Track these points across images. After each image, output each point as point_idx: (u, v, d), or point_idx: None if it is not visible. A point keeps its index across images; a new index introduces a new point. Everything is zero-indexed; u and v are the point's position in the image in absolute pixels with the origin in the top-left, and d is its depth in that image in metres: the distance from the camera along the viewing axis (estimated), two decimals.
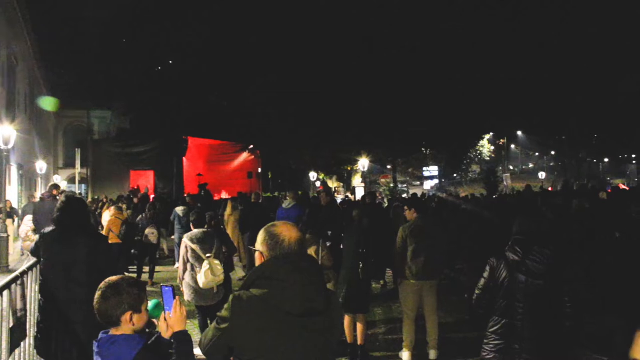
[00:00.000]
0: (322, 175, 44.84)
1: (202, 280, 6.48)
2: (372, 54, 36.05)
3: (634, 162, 75.50)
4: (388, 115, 35.96)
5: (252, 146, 35.50)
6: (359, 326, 6.82)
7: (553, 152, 75.17)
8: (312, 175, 39.98)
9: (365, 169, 36.86)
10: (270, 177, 38.87)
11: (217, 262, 6.62)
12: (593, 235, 7.05)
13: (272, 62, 34.03)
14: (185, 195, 20.49)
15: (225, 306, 2.51)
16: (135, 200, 17.92)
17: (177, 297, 2.81)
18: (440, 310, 7.17)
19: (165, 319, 2.77)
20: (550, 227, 7.64)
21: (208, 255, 6.57)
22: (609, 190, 22.07)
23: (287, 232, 2.61)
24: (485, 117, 45.85)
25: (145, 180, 28.47)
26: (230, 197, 18.81)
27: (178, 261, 8.02)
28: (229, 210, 12.47)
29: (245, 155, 35.36)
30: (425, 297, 6.77)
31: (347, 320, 6.79)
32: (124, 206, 12.18)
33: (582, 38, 42.19)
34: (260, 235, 2.65)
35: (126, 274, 9.22)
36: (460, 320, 8.28)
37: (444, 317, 8.08)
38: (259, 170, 35.73)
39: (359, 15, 36.17)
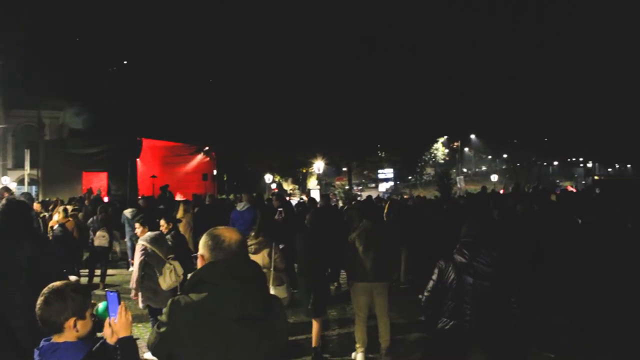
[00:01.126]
0: (278, 177, 44.76)
1: (165, 282, 6.40)
2: (327, 57, 36.14)
3: (582, 165, 77.69)
4: (343, 117, 36.11)
5: (207, 148, 35.19)
6: (315, 328, 6.84)
7: (505, 155, 76.77)
8: (268, 178, 39.87)
9: (321, 172, 36.95)
10: (225, 179, 38.59)
11: (177, 263, 6.56)
12: (541, 236, 7.23)
13: (226, 64, 33.81)
14: (139, 197, 20.19)
15: (164, 310, 2.49)
16: (86, 202, 17.58)
17: (122, 303, 2.76)
18: (393, 311, 7.22)
19: (110, 325, 2.70)
20: (499, 229, 7.80)
21: (169, 256, 6.50)
22: (558, 192, 22.63)
23: (228, 234, 2.59)
24: (440, 121, 46.52)
25: (98, 182, 27.91)
26: (184, 199, 18.59)
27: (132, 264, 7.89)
28: (180, 212, 12.32)
29: (200, 157, 34.98)
30: (376, 298, 6.81)
31: (315, 325, 6.83)
32: (70, 208, 11.88)
33: (534, 45, 43.21)
34: (202, 238, 2.63)
35: (71, 277, 9.07)
36: (414, 321, 8.32)
37: (398, 318, 8.14)
38: (214, 172, 35.42)
39: (307, 20, 36.21)
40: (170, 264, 6.38)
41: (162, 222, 7.57)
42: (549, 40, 42.88)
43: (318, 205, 13.16)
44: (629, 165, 75.77)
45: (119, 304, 2.73)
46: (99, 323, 2.86)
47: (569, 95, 41.59)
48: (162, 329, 2.45)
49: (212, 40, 33.35)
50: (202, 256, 2.59)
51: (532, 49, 43.53)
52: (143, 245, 6.66)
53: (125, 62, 36.23)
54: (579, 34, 41.52)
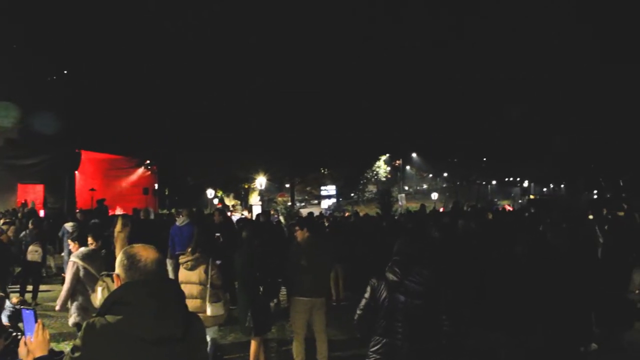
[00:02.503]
0: (220, 192, 44.41)
1: (97, 300, 6.27)
2: (270, 72, 36.22)
3: (518, 184, 80.00)
4: (286, 134, 36.19)
5: (148, 161, 34.68)
6: (252, 347, 6.83)
7: (446, 174, 78.29)
8: (210, 192, 39.52)
9: (263, 187, 36.80)
10: (167, 193, 38.06)
11: (110, 280, 6.44)
12: (478, 253, 7.44)
13: (168, 78, 33.41)
14: (77, 210, 19.77)
15: (79, 334, 2.41)
16: (20, 215, 17.10)
17: (39, 321, 2.69)
18: (333, 328, 7.28)
19: (25, 344, 2.62)
20: (434, 247, 7.97)
21: (103, 273, 6.39)
22: (500, 209, 23.27)
23: (145, 252, 2.55)
24: (382, 139, 47.12)
25: (34, 195, 27.12)
26: (123, 213, 18.29)
27: None
28: (118, 226, 12.09)
29: (141, 171, 34.48)
30: (315, 315, 6.87)
31: (253, 344, 6.80)
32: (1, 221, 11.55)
33: (473, 67, 44.35)
34: (118, 257, 2.58)
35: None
36: (353, 338, 8.36)
37: (337, 335, 8.21)
38: (156, 186, 34.92)
39: (241, 35, 36.21)
40: (104, 281, 6.27)
41: (90, 239, 7.40)
42: (488, 62, 44.12)
43: (259, 221, 13.17)
44: (562, 185, 78.41)
45: (36, 322, 2.66)
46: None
47: (507, 116, 42.80)
48: (77, 354, 2.35)
49: (153, 57, 32.90)
50: (118, 276, 2.55)
51: (471, 71, 44.69)
52: (74, 262, 6.54)
53: (65, 72, 35.36)
54: (516, 56, 42.88)
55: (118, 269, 2.56)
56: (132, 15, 31.84)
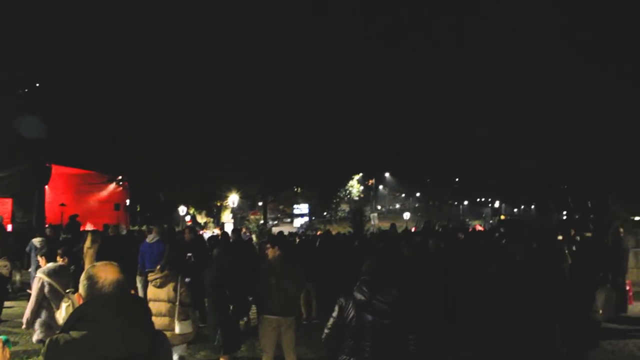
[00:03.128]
0: (193, 209, 44.15)
1: (62, 317, 6.19)
2: (242, 89, 36.23)
3: (490, 205, 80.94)
4: (259, 153, 36.18)
5: (120, 177, 34.37)
6: None
7: (418, 194, 79.00)
8: (182, 209, 39.27)
9: (235, 205, 36.65)
10: (138, 209, 37.72)
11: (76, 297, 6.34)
12: (449, 273, 7.52)
13: (140, 95, 33.18)
14: (47, 225, 19.52)
15: (42, 350, 2.38)
16: None
17: None
18: (303, 347, 7.26)
19: None
20: (404, 266, 8.03)
21: (68, 290, 6.30)
22: (470, 230, 23.45)
23: (104, 273, 2.53)
24: (356, 158, 47.37)
25: (2, 209, 26.69)
26: (94, 229, 18.08)
27: None
28: (88, 242, 11.96)
29: (113, 186, 34.16)
30: (284, 334, 6.85)
31: None
32: None
33: (444, 88, 44.94)
34: (82, 276, 2.58)
35: None
36: (321, 357, 8.35)
37: (307, 353, 8.18)
38: (127, 202, 34.60)
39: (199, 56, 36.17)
40: (69, 298, 6.19)
41: (58, 255, 7.30)
42: (459, 83, 44.73)
43: (230, 239, 13.11)
44: (532, 206, 79.51)
45: None
46: None
47: (478, 137, 43.36)
48: None
49: (120, 73, 32.66)
50: (80, 295, 2.54)
51: (443, 92, 45.26)
52: (39, 277, 6.45)
53: (37, 85, 34.93)
54: (486, 78, 43.54)
55: (80, 288, 2.55)
56: (111, 25, 31.61)
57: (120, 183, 34.24)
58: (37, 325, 6.43)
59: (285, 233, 19.97)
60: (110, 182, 33.87)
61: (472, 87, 44.47)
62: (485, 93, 43.57)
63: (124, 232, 18.30)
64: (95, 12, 30.87)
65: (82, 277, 2.56)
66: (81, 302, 2.51)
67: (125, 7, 32.07)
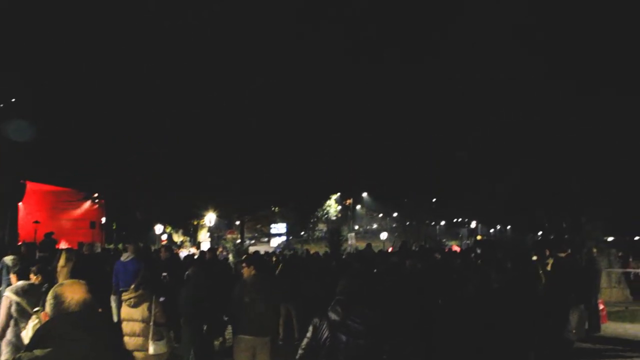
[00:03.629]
0: (169, 228, 43.82)
1: (28, 337, 6.08)
2: (220, 108, 36.17)
3: (466, 225, 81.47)
4: (237, 172, 36.09)
5: (96, 195, 34.04)
6: None
7: (395, 214, 79.18)
8: (159, 228, 38.94)
9: (212, 224, 36.44)
10: (114, 227, 37.34)
11: (43, 316, 6.24)
12: (425, 293, 7.53)
13: (114, 112, 32.93)
14: (20, 243, 19.20)
15: None
16: None
17: None
18: None
19: None
20: (379, 286, 8.04)
21: (36, 309, 6.20)
22: (447, 250, 23.56)
23: (71, 293, 2.51)
24: (333, 178, 47.47)
25: None
26: (68, 247, 17.84)
27: None
28: (62, 261, 11.80)
29: (88, 204, 33.81)
30: (258, 354, 6.81)
31: None
32: None
33: (421, 110, 45.36)
34: (48, 295, 2.56)
35: None
36: None
37: None
38: (103, 220, 34.23)
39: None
40: (38, 318, 6.09)
41: (32, 273, 7.19)
42: (435, 105, 45.18)
43: (205, 258, 13.06)
44: (508, 227, 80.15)
45: None
46: None
47: (456, 158, 43.78)
48: None
49: (98, 92, 32.43)
50: (46, 314, 2.52)
51: (421, 113, 45.65)
52: (7, 296, 6.35)
53: (13, 100, 34.51)
54: (462, 101, 44.04)
55: (46, 306, 2.53)
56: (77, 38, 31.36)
57: (96, 201, 33.90)
58: (3, 345, 6.32)
59: (262, 252, 19.94)
60: (86, 199, 33.52)
61: (449, 109, 44.94)
62: (462, 114, 44.04)
63: (99, 250, 18.09)
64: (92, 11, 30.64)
65: (49, 295, 2.53)
66: (46, 319, 2.49)
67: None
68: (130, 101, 32.70)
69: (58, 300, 2.50)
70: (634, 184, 31.54)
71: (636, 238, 50.13)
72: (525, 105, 37.51)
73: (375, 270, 11.39)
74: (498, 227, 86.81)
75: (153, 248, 20.23)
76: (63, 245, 24.20)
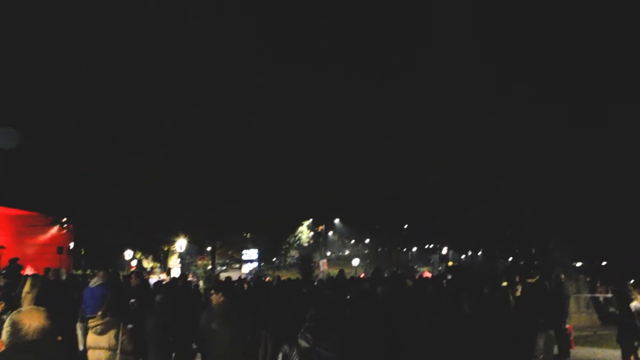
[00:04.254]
0: (139, 254, 43.26)
1: None
2: (192, 137, 36.06)
3: (438, 251, 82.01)
4: (209, 197, 35.87)
5: (65, 219, 33.51)
6: None
7: (367, 241, 79.37)
8: (128, 254, 38.42)
9: (183, 250, 36.09)
10: (82, 253, 36.74)
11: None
12: (395, 320, 7.52)
13: (81, 135, 32.57)
14: None
15: None
16: None
17: None
18: None
19: None
20: (350, 313, 8.02)
21: None
22: (418, 277, 23.59)
23: (29, 320, 2.46)
24: (305, 204, 47.47)
25: None
26: (34, 273, 17.49)
27: None
28: (27, 287, 11.58)
29: (56, 229, 33.25)
30: None
31: None
32: None
33: (393, 138, 45.79)
34: (6, 322, 2.49)
35: None
36: None
37: None
38: (71, 245, 33.67)
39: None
40: None
41: None
42: (408, 133, 45.63)
43: (175, 284, 12.91)
44: (479, 253, 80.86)
45: None
46: None
47: (426, 185, 44.16)
48: None
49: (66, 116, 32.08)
50: (3, 341, 2.45)
51: (393, 141, 46.05)
52: None
53: None
54: (435, 128, 44.56)
55: (2, 334, 2.46)
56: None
57: (64, 225, 33.38)
58: None
59: (234, 279, 19.78)
60: (54, 224, 32.99)
61: (421, 138, 45.43)
62: (435, 143, 44.55)
63: (64, 276, 17.76)
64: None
65: (6, 323, 2.46)
66: (3, 348, 2.40)
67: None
68: (98, 123, 32.38)
69: (15, 327, 2.43)
70: (599, 211, 32.13)
71: (604, 263, 50.84)
72: (494, 135, 38.11)
73: (347, 297, 11.37)
74: (469, 253, 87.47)
75: (122, 274, 19.94)
76: (29, 271, 23.71)
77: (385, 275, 24.31)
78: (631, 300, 10.78)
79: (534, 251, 35.70)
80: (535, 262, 31.04)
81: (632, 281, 18.46)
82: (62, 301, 10.66)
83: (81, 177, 32.27)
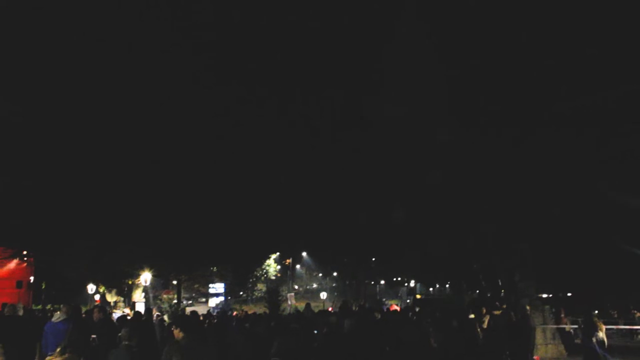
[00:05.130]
0: (103, 288, 42.43)
1: None
2: (158, 169, 35.80)
3: (406, 284, 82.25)
4: (175, 230, 35.51)
5: (25, 252, 32.83)
6: None
7: (335, 274, 79.24)
8: (91, 288, 37.67)
9: (148, 284, 35.53)
10: (43, 287, 35.91)
11: None
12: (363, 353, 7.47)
13: (46, 167, 32.11)
14: None
15: None
16: None
17: None
18: None
19: None
20: (317, 346, 7.95)
21: None
22: (387, 309, 23.57)
23: None
24: (272, 237, 47.32)
25: None
26: None
27: None
28: None
29: (15, 262, 32.56)
30: None
31: None
32: None
33: (358, 171, 46.05)
34: None
35: None
36: None
37: None
38: (31, 279, 32.93)
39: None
40: None
41: None
42: (372, 166, 45.93)
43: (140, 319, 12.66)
44: (447, 285, 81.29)
45: None
46: None
47: (393, 219, 44.36)
48: None
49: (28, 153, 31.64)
50: None
51: (357, 175, 46.27)
52: None
53: None
54: (398, 162, 44.96)
55: None
56: None
57: (25, 259, 32.69)
58: None
59: (200, 313, 19.48)
60: (14, 257, 32.30)
61: (386, 171, 45.71)
62: (398, 176, 44.87)
63: (21, 312, 17.26)
64: None
65: None
66: None
67: None
68: (60, 156, 31.97)
69: None
70: (563, 243, 32.59)
71: (569, 294, 51.47)
72: (455, 167, 38.55)
73: (315, 331, 11.29)
74: (437, 285, 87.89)
75: (84, 309, 19.50)
76: None
77: (354, 308, 24.27)
78: (596, 330, 10.87)
79: (500, 283, 35.97)
80: (502, 294, 31.26)
81: (596, 312, 18.70)
82: (19, 337, 10.35)
83: (42, 208, 31.70)
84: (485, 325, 12.54)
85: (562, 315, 22.31)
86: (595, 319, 12.69)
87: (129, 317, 18.58)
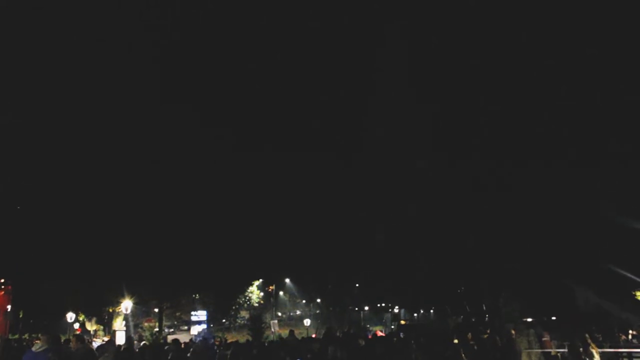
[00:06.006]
0: (82, 316, 41.77)
1: None
2: (142, 198, 35.63)
3: (390, 310, 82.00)
4: (157, 257, 35.19)
5: (2, 280, 32.22)
6: None
7: (319, 300, 78.75)
8: (70, 316, 37.01)
9: (129, 312, 35.00)
10: (21, 316, 35.23)
11: None
12: None
13: (24, 195, 31.78)
14: None
15: None
16: None
17: None
18: None
19: None
20: None
21: None
22: (370, 336, 23.36)
23: None
24: (255, 264, 47.10)
25: None
26: None
27: None
28: None
29: None
30: None
31: None
32: None
33: (340, 198, 46.17)
34: None
35: None
36: None
37: None
38: (8, 307, 32.27)
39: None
40: None
41: None
42: (355, 191, 46.05)
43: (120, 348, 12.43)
44: (432, 310, 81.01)
45: None
46: None
47: (376, 244, 44.38)
48: None
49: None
50: None
51: (340, 201, 46.37)
52: None
53: None
54: (381, 190, 45.11)
55: None
56: None
57: (2, 287, 32.09)
58: None
59: (182, 341, 19.14)
60: None
61: (368, 197, 45.87)
62: (382, 202, 45.00)
63: None
64: None
65: None
66: None
67: None
68: (39, 183, 31.72)
69: None
70: (546, 268, 32.67)
71: (553, 318, 51.48)
72: (432, 194, 38.77)
73: (298, 359, 11.19)
74: (421, 311, 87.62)
75: (63, 338, 19.15)
76: None
77: (338, 334, 24.07)
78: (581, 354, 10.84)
79: (484, 308, 35.95)
80: (487, 319, 31.23)
81: (587, 335, 18.62)
82: None
83: (21, 236, 31.32)
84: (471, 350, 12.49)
85: (547, 339, 22.25)
86: (589, 341, 12.66)
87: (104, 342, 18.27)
